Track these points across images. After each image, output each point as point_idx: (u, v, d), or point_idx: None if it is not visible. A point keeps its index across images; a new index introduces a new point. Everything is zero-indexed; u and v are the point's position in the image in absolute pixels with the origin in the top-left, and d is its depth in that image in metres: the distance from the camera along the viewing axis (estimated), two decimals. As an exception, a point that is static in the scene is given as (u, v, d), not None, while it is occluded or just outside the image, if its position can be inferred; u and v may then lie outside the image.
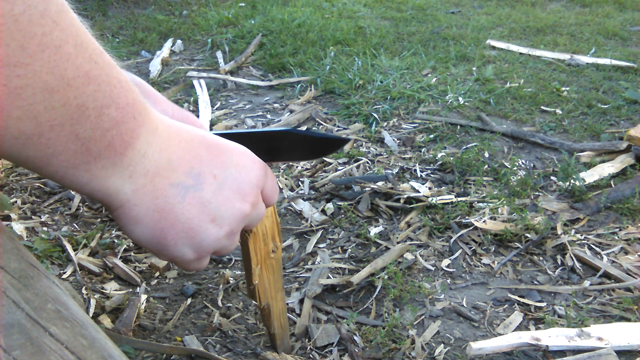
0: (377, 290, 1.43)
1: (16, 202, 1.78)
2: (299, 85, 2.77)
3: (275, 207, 1.05)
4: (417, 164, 2.05)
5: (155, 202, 0.49)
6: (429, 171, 2.01)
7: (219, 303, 1.41)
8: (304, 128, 2.35)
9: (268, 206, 0.63)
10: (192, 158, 0.51)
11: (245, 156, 0.57)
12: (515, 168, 1.99)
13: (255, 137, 0.70)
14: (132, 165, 0.47)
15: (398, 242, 1.62)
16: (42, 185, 1.87)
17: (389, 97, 2.58)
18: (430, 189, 1.87)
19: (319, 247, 1.63)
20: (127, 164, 0.46)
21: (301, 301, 1.41)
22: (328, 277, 1.49)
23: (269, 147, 0.71)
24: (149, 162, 0.48)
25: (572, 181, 1.86)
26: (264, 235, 1.02)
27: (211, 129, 2.35)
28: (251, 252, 1.00)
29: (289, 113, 2.52)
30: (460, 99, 2.55)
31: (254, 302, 1.10)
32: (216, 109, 2.59)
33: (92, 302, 1.37)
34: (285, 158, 0.75)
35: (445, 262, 1.56)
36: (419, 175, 1.98)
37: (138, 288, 1.46)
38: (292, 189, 1.92)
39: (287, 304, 1.40)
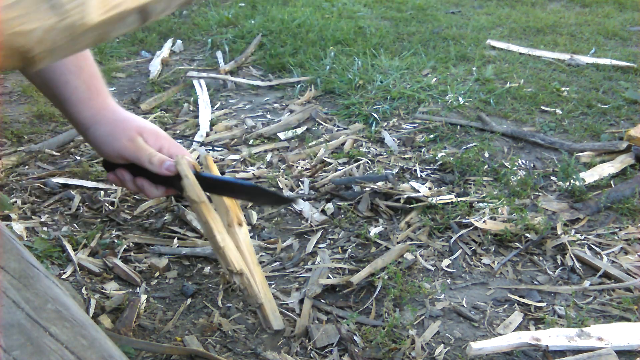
0: (377, 290, 1.43)
1: (16, 202, 1.78)
2: (299, 85, 2.77)
3: None
4: (417, 164, 2.05)
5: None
6: (429, 171, 2.01)
7: (219, 303, 1.41)
8: (304, 128, 2.35)
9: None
10: None
11: None
12: (515, 168, 1.99)
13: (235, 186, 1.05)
14: None
15: (398, 242, 1.62)
16: (42, 186, 1.87)
17: (389, 97, 2.58)
18: (430, 189, 1.87)
19: (319, 247, 1.63)
20: None
21: (301, 301, 1.41)
22: (328, 277, 1.49)
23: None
24: None
25: (572, 181, 1.86)
26: (219, 206, 1.13)
27: (211, 129, 2.36)
28: (208, 219, 1.07)
29: (289, 113, 2.52)
30: (460, 99, 2.55)
31: (227, 268, 1.12)
32: (216, 109, 2.59)
33: (92, 302, 1.37)
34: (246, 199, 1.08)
35: (445, 262, 1.56)
36: (419, 175, 1.98)
37: (138, 288, 1.46)
38: (292, 189, 1.92)
39: (287, 303, 1.41)
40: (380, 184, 1.85)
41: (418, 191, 1.82)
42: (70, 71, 0.90)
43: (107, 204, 1.79)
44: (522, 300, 1.42)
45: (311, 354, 1.24)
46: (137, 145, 0.94)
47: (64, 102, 0.93)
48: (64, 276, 1.46)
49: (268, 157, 2.13)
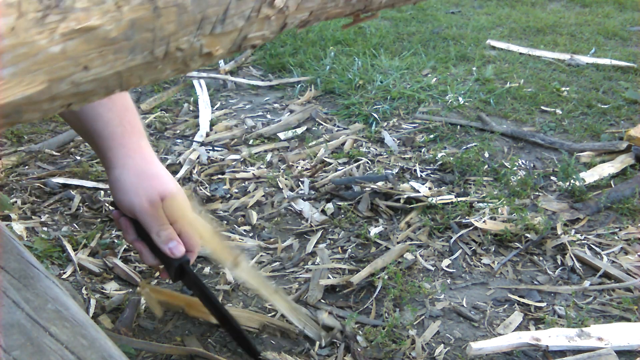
0: (377, 290, 1.43)
1: (16, 202, 1.78)
2: (299, 85, 2.77)
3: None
4: (417, 164, 2.05)
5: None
6: (429, 171, 2.01)
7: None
8: (304, 128, 2.35)
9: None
10: None
11: None
12: (515, 168, 1.99)
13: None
14: None
15: (398, 242, 1.62)
16: (42, 186, 1.87)
17: (389, 97, 2.58)
18: (430, 189, 1.87)
19: (319, 247, 1.63)
20: None
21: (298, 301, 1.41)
22: (328, 277, 1.49)
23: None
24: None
25: (572, 181, 1.86)
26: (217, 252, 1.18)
27: (211, 129, 2.35)
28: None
29: (289, 113, 2.52)
30: (460, 99, 2.55)
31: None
32: (216, 109, 2.59)
33: (92, 302, 1.37)
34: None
35: (445, 262, 1.56)
36: (419, 175, 1.98)
37: (138, 288, 1.46)
38: (292, 189, 1.92)
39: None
40: (380, 184, 1.85)
41: (418, 191, 1.82)
42: (101, 103, 0.82)
43: (107, 204, 1.79)
44: (522, 300, 1.42)
45: (312, 354, 1.24)
46: (155, 211, 0.87)
47: (95, 135, 0.85)
48: (64, 276, 1.46)
49: (268, 157, 2.13)
